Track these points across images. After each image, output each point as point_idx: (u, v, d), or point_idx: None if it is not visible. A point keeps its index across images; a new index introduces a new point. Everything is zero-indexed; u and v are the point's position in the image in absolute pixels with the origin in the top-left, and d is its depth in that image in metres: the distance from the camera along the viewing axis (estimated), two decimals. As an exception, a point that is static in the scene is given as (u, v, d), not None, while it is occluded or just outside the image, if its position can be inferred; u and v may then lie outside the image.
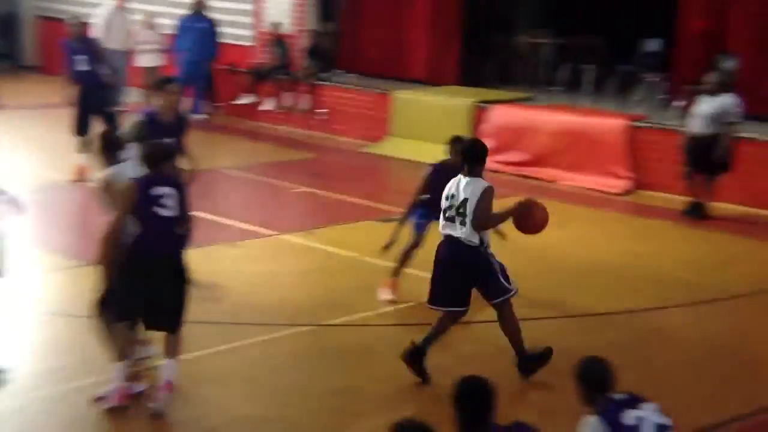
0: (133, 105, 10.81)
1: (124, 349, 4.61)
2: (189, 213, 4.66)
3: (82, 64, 8.97)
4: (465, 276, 5.00)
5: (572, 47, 11.84)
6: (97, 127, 8.31)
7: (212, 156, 9.73)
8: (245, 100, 12.28)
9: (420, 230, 6.22)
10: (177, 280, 4.60)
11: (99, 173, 4.93)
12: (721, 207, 8.11)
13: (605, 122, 9.49)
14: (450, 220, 5.01)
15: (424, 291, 5.33)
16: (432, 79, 11.66)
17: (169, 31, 12.19)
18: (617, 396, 3.37)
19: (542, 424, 3.44)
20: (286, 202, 9.17)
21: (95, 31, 10.87)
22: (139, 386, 4.76)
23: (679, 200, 8.49)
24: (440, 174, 5.69)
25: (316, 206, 9.00)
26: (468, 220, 4.90)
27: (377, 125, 11.31)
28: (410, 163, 10.53)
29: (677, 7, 9.53)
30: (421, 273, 6.66)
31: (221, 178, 9.61)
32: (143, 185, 4.54)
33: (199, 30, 11.71)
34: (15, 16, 15.41)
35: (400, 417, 3.09)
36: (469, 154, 5.02)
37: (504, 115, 10.20)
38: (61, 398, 4.86)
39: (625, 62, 10.96)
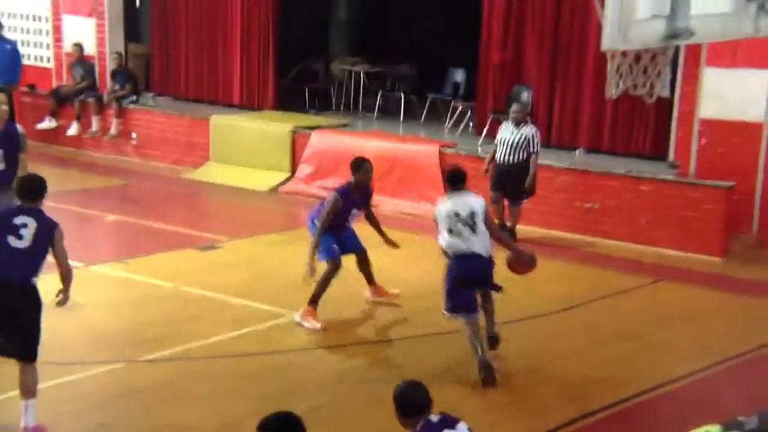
0: None
1: None
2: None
3: None
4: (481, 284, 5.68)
5: (385, 75, 12.31)
6: None
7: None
8: (48, 124, 11.52)
9: (335, 254, 6.35)
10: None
11: None
12: (522, 229, 8.71)
13: (419, 148, 9.91)
14: (458, 234, 5.56)
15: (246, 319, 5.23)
16: (249, 105, 11.60)
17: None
18: (433, 417, 3.54)
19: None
20: (97, 231, 8.69)
21: None
22: None
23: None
24: (347, 197, 6.34)
25: (129, 235, 8.59)
26: (479, 229, 5.57)
27: (195, 150, 11.04)
28: (230, 189, 10.41)
29: (480, 38, 10.18)
30: (245, 301, 6.63)
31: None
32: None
33: (9, 53, 11.01)
34: None
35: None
36: (455, 176, 5.78)
37: (323, 141, 10.35)
38: None
39: (435, 90, 11.56)
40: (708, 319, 7.00)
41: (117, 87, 11.51)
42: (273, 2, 11.33)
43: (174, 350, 5.79)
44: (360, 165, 6.52)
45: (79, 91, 11.54)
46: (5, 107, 6.14)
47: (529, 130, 8.26)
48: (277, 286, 7.11)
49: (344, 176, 10.25)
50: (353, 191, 6.49)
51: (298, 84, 12.31)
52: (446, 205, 5.72)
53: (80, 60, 11.53)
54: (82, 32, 11.62)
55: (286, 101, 11.73)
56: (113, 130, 11.46)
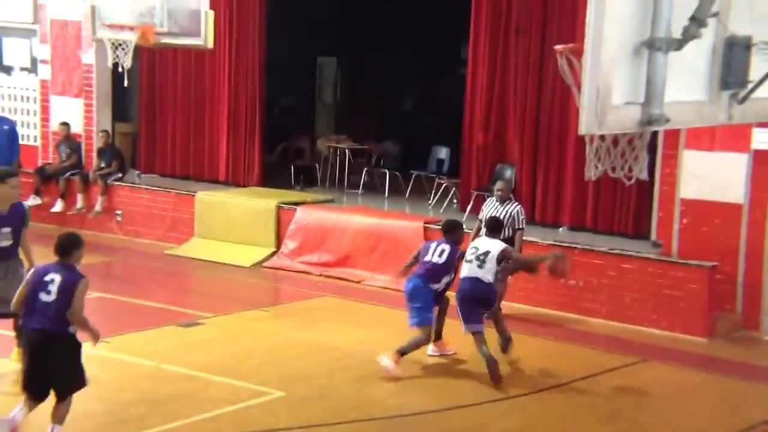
0: None
1: None
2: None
3: None
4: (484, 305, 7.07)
5: (370, 152, 12.50)
6: None
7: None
8: (32, 201, 11.52)
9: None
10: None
11: None
12: (505, 305, 8.69)
13: (404, 224, 9.98)
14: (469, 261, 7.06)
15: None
16: (235, 181, 11.69)
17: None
18: None
19: None
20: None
21: None
22: None
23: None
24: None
25: (112, 313, 8.47)
26: (486, 266, 6.98)
27: (180, 227, 11.05)
28: (214, 265, 10.36)
29: (463, 117, 10.40)
30: (227, 379, 6.50)
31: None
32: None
33: (6, 133, 11.15)
34: None
35: None
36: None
37: (308, 216, 10.41)
38: None
39: (419, 167, 11.73)
40: (693, 401, 6.95)
41: (103, 164, 11.58)
42: (260, 81, 11.55)
43: (156, 430, 5.66)
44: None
45: (65, 169, 11.59)
46: (16, 190, 6.48)
47: (513, 207, 8.36)
48: (259, 365, 7.02)
49: (331, 251, 10.37)
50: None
51: (283, 161, 12.47)
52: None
53: (66, 138, 11.64)
54: (70, 112, 11.75)
55: (272, 178, 11.84)
56: (98, 207, 11.47)
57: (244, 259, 10.39)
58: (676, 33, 3.96)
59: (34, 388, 5.30)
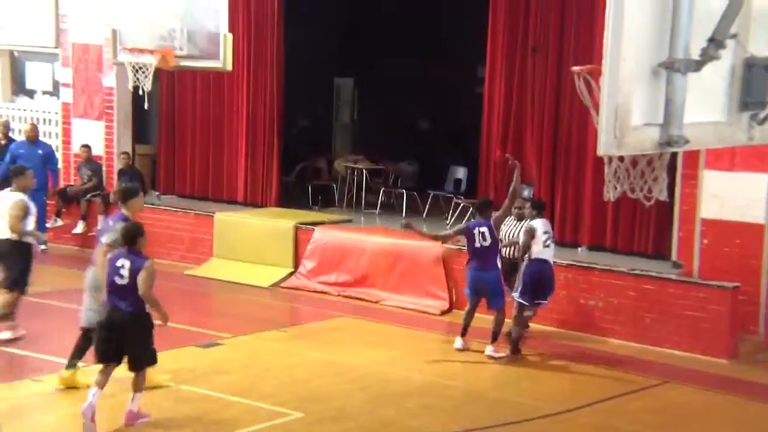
0: None
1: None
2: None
3: None
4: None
5: (387, 172, 12.52)
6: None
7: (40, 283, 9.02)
8: (54, 223, 11.66)
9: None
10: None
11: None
12: (533, 328, 8.63)
13: (422, 245, 9.95)
14: (548, 246, 7.97)
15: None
16: (253, 202, 11.75)
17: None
18: None
19: None
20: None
21: None
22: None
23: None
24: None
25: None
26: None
27: (199, 247, 11.10)
28: (232, 285, 10.39)
29: (480, 137, 10.40)
30: (245, 400, 6.48)
31: (30, 306, 8.88)
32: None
33: (41, 156, 11.25)
34: None
35: None
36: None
37: (325, 236, 10.43)
38: None
39: (436, 187, 11.72)
40: (715, 423, 6.86)
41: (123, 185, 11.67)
42: (277, 102, 11.64)
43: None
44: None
45: (86, 191, 11.71)
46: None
47: (527, 224, 8.33)
48: (278, 385, 7.01)
49: (349, 271, 10.39)
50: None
51: (301, 181, 12.51)
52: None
53: (88, 160, 11.76)
54: (91, 134, 11.89)
55: (290, 198, 11.88)
56: (118, 227, 11.55)
57: (262, 280, 10.42)
58: (695, 54, 3.95)
59: (108, 356, 6.05)
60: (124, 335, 6.01)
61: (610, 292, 8.69)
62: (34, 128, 11.59)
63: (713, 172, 8.43)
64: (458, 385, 7.27)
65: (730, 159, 8.27)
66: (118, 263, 6.02)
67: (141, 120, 12.07)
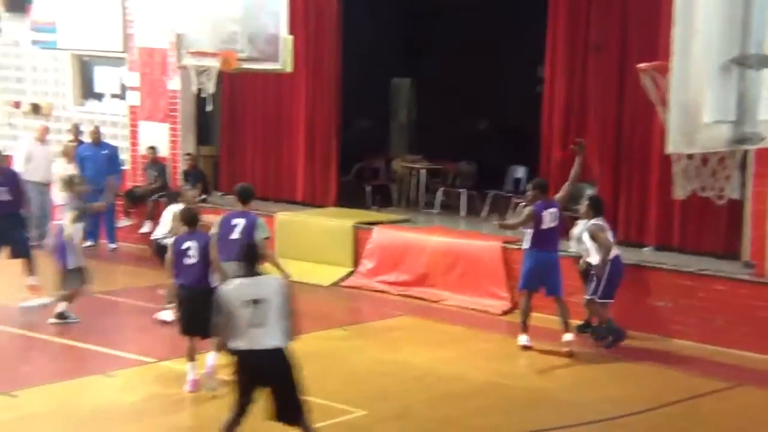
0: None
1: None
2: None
3: (2, 194, 9.07)
4: None
5: (446, 172, 12.49)
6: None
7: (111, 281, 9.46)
8: (122, 223, 12.01)
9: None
10: None
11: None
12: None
13: (482, 244, 9.92)
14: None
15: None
16: (311, 201, 11.86)
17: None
18: None
19: None
20: (167, 329, 8.83)
21: (17, 164, 11.24)
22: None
23: (554, 320, 8.87)
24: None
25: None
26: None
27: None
28: (294, 284, 10.46)
29: (540, 137, 10.29)
30: (308, 398, 6.56)
31: (101, 303, 9.19)
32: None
33: (104, 157, 11.61)
34: None
35: None
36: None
37: (384, 236, 10.47)
38: None
39: (496, 187, 11.63)
40: (791, 426, 6.64)
41: (188, 187, 11.94)
42: (336, 103, 11.72)
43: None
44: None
45: (153, 191, 12.01)
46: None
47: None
48: (341, 383, 7.08)
49: (408, 271, 10.41)
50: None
51: (359, 181, 12.58)
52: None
53: (154, 162, 12.06)
54: (157, 136, 12.18)
55: (348, 198, 11.94)
56: (183, 227, 11.82)
57: (322, 279, 10.52)
58: (768, 50, 3.84)
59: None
60: (199, 305, 6.56)
61: (679, 293, 8.50)
62: (97, 130, 11.92)
63: (786, 170, 8.17)
64: (520, 385, 7.22)
65: (804, 156, 7.99)
66: (184, 245, 6.71)
67: (204, 122, 12.32)
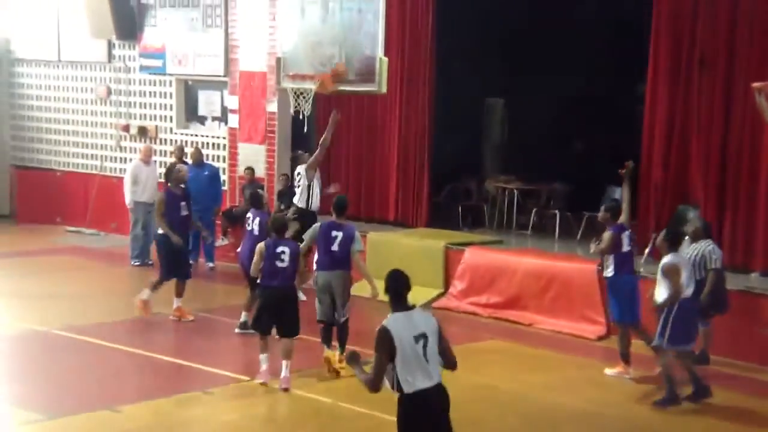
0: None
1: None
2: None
3: (183, 210, 9.56)
4: None
5: (539, 193, 12.29)
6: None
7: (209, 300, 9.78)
8: (221, 242, 12.39)
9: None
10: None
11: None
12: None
13: (577, 267, 9.67)
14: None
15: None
16: (403, 221, 11.91)
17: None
18: None
19: None
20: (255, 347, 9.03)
21: (125, 186, 11.98)
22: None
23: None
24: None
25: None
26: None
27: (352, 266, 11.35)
28: (386, 305, 10.49)
29: (640, 157, 9.99)
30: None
31: (199, 321, 9.48)
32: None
33: (207, 177, 11.99)
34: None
35: None
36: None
37: (476, 257, 10.37)
38: None
39: (592, 208, 11.35)
40: None
41: (282, 206, 12.20)
42: (429, 123, 11.75)
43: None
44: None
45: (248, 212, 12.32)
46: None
47: (705, 246, 7.92)
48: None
49: (500, 293, 10.26)
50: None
51: (451, 201, 12.54)
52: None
53: (251, 182, 12.35)
54: (255, 157, 12.50)
55: (440, 218, 11.93)
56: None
57: (414, 299, 10.37)
58: None
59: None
60: (284, 308, 7.49)
61: (789, 322, 8.04)
62: (198, 151, 12.30)
63: None
64: (616, 413, 6.97)
65: None
66: (278, 249, 7.34)
67: (299, 143, 12.60)
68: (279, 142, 12.40)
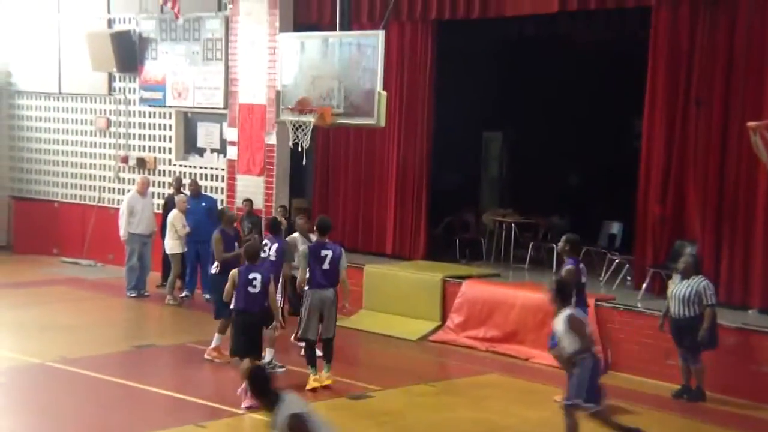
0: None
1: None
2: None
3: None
4: None
5: (536, 226, 12.31)
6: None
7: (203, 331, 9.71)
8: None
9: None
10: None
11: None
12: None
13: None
14: None
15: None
16: (401, 254, 11.89)
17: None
18: None
19: None
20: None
21: (120, 218, 11.93)
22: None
23: (650, 383, 8.49)
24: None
25: (282, 384, 8.76)
26: None
27: (349, 299, 11.30)
28: (382, 337, 10.50)
29: (637, 192, 10.02)
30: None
31: (194, 353, 9.42)
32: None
33: (204, 209, 11.99)
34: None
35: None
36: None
37: (474, 290, 10.35)
38: None
39: (589, 242, 11.37)
40: None
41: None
42: (426, 157, 11.79)
43: None
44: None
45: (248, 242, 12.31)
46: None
47: (698, 282, 7.91)
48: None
49: (497, 327, 10.20)
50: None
51: (448, 234, 12.55)
52: None
53: (249, 214, 12.36)
54: (253, 189, 12.52)
55: (437, 251, 11.92)
56: (275, 277, 12.03)
57: (410, 332, 10.46)
58: None
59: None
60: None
61: (787, 359, 8.00)
62: (195, 183, 12.34)
63: None
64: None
65: None
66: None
67: (298, 175, 12.64)
68: (277, 174, 12.45)
